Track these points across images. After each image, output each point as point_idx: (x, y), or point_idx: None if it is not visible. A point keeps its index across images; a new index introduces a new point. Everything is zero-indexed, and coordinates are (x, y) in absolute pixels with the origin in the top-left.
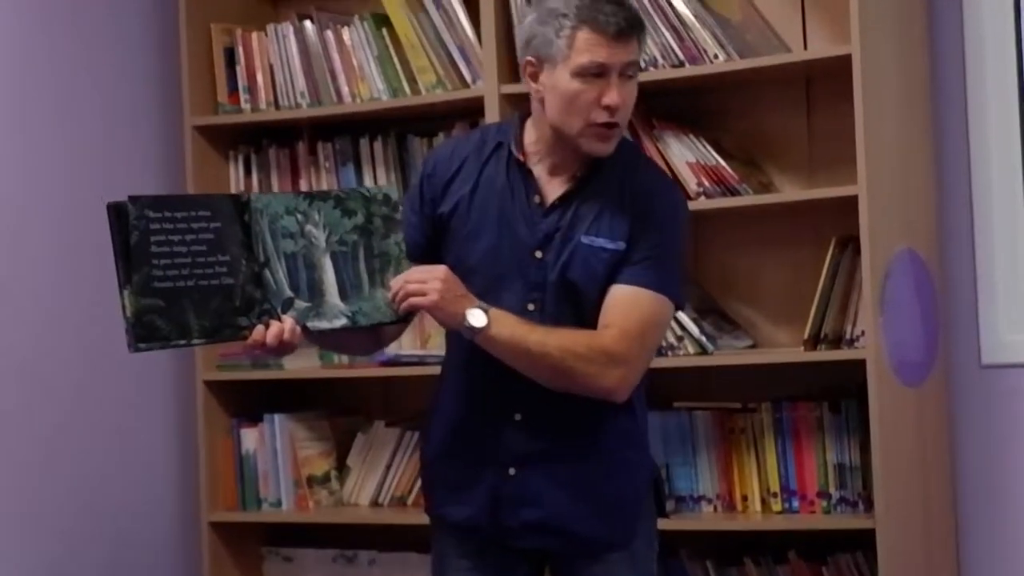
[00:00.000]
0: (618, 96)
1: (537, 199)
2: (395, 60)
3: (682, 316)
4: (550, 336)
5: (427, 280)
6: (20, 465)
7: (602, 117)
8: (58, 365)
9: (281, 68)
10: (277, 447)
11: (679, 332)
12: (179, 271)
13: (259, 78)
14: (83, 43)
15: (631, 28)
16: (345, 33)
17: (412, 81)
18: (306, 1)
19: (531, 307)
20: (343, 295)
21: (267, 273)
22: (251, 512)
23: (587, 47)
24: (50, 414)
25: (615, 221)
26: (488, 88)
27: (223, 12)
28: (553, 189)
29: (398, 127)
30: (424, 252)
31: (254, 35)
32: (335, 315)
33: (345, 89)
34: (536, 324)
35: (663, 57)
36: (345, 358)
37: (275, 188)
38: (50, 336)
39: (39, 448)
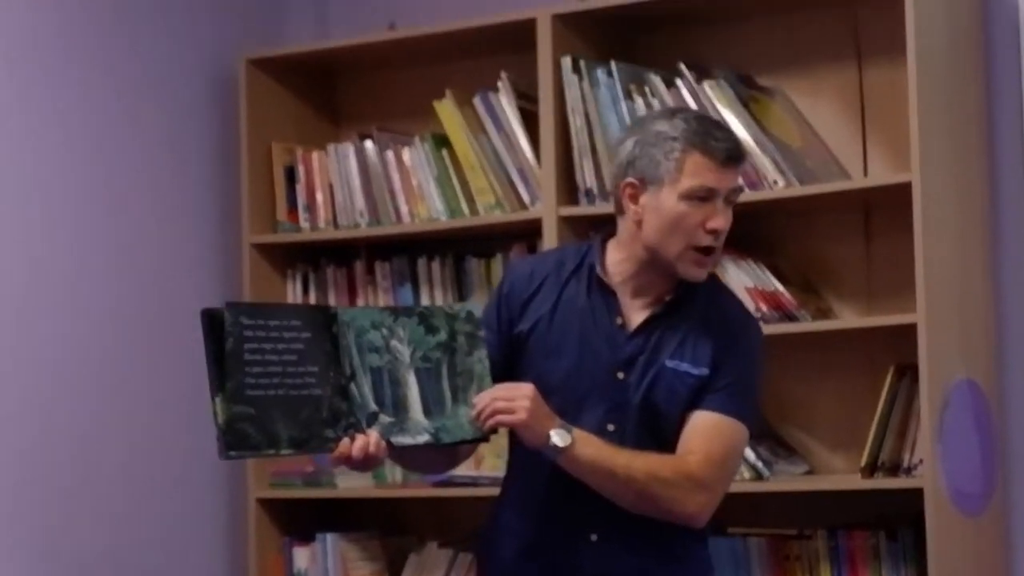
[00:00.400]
0: (723, 221)
1: (619, 320)
2: (454, 180)
3: None
4: (635, 459)
5: (515, 398)
6: None
7: (705, 240)
8: (110, 483)
9: (341, 187)
10: (329, 566)
11: None
12: (271, 379)
13: (319, 197)
14: (147, 157)
15: (738, 155)
16: (405, 153)
17: (471, 201)
18: (367, 121)
19: (611, 427)
20: (426, 411)
21: (353, 387)
22: None
23: (697, 171)
24: (101, 532)
25: (699, 347)
26: (546, 210)
27: (285, 131)
28: (635, 311)
29: (456, 247)
30: (501, 371)
31: (315, 154)
32: (419, 431)
33: (404, 209)
34: (618, 446)
35: None
36: (398, 478)
37: None
38: (101, 447)
39: (92, 565)
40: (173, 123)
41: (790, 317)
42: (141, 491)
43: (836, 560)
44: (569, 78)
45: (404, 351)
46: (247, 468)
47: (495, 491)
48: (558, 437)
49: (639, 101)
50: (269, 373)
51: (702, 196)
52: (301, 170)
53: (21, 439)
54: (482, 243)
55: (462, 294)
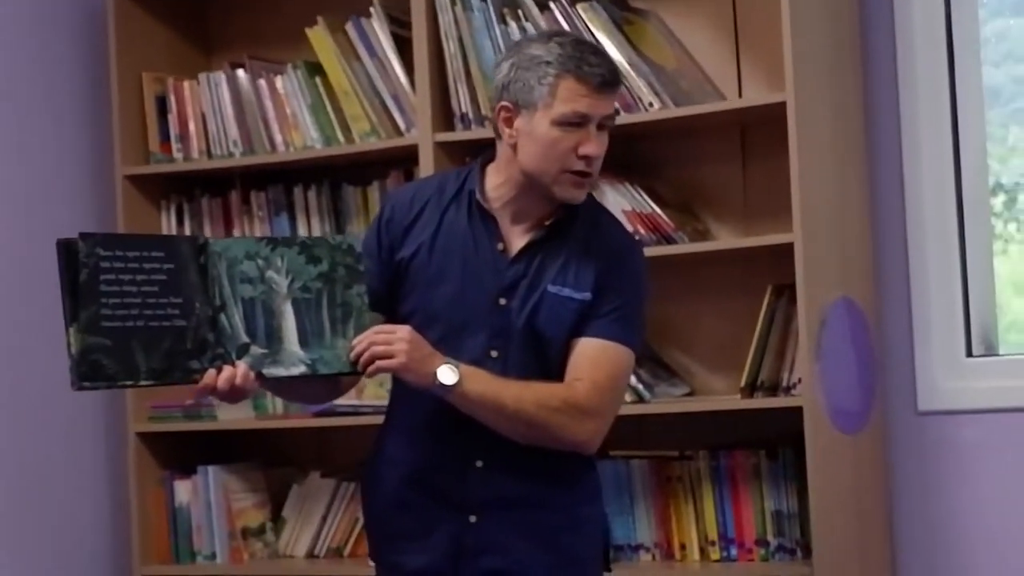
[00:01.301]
0: (596, 147)
1: (500, 246)
2: (328, 108)
3: None
4: (525, 391)
5: (392, 341)
6: None
7: (578, 166)
8: None
9: (213, 117)
10: (211, 499)
11: None
12: (128, 311)
13: (191, 127)
14: (15, 90)
15: (613, 81)
16: (278, 81)
17: (346, 129)
18: (239, 49)
19: (494, 354)
20: (303, 343)
21: (223, 317)
22: (184, 565)
23: (571, 97)
24: None
25: (581, 272)
26: (422, 136)
27: (155, 60)
28: (516, 236)
29: (332, 175)
30: (382, 300)
31: (186, 84)
32: (293, 362)
33: (278, 138)
34: (502, 376)
35: None
36: (279, 409)
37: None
38: None
39: None
40: (42, 54)
41: (668, 239)
42: (15, 425)
43: (718, 480)
44: (442, 2)
45: (281, 281)
46: (126, 401)
47: (378, 420)
48: (444, 375)
49: (513, 25)
50: (127, 304)
51: (575, 122)
52: (173, 100)
53: None
54: (358, 171)
55: (339, 222)
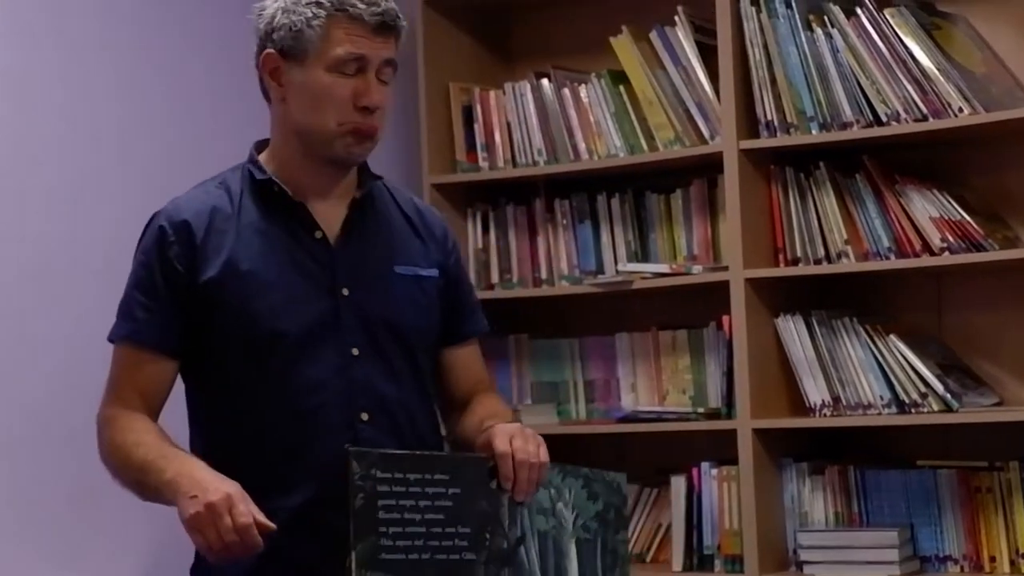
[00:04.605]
0: (377, 96)
1: (319, 234)
2: (632, 116)
3: (926, 373)
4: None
5: None
6: None
7: (357, 118)
8: None
9: (518, 126)
10: None
11: (923, 389)
12: (412, 542)
13: (496, 136)
14: None
15: (392, 22)
16: (582, 91)
17: (649, 137)
18: (542, 59)
19: (355, 352)
20: None
21: (522, 551)
22: None
23: (344, 38)
24: None
25: (413, 247)
26: (727, 144)
27: (461, 71)
28: (327, 219)
29: (635, 183)
30: (179, 342)
31: (492, 94)
32: None
33: (582, 146)
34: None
35: (905, 111)
36: (583, 415)
37: (512, 246)
38: None
39: None
40: None
41: (977, 247)
42: None
43: None
44: (747, 10)
45: (568, 517)
46: None
47: (680, 427)
48: None
49: (819, 32)
50: (409, 534)
51: (351, 67)
52: (479, 110)
53: None
54: (661, 178)
55: (642, 230)
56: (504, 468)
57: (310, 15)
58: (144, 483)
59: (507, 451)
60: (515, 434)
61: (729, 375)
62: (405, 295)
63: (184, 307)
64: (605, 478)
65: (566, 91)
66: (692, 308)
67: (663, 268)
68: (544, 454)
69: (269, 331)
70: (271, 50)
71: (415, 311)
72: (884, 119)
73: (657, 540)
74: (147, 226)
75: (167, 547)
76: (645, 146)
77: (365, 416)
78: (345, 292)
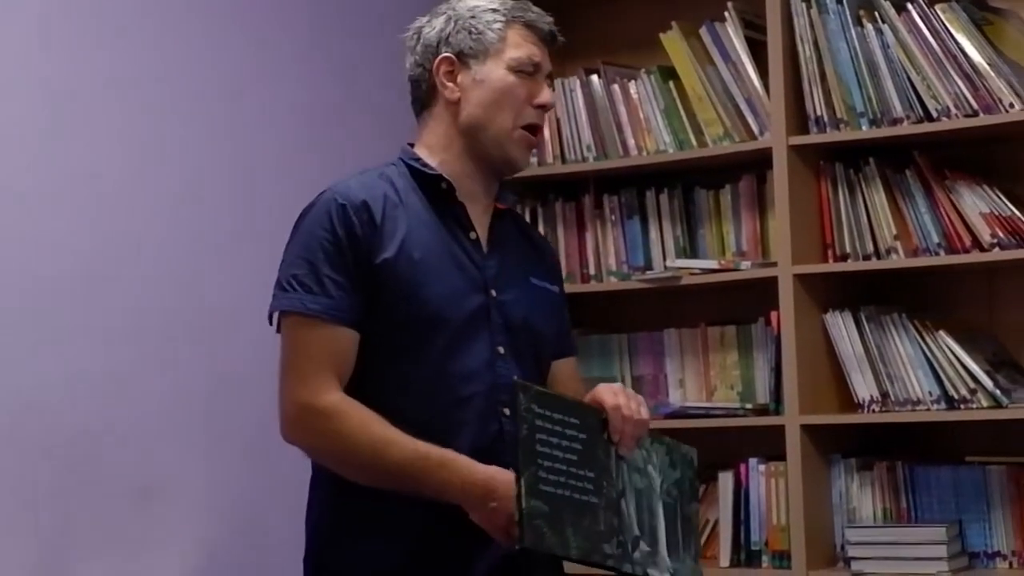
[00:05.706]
0: (551, 96)
1: (474, 235)
2: (682, 113)
3: (975, 369)
4: None
5: None
6: None
7: (532, 117)
8: None
9: (568, 122)
10: None
11: (972, 385)
12: (559, 477)
13: (546, 132)
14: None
15: (557, 34)
16: (632, 87)
17: (699, 133)
18: (592, 55)
19: (501, 350)
20: (669, 550)
21: (623, 503)
22: None
23: (522, 43)
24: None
25: (540, 263)
26: (776, 140)
27: None
28: (478, 223)
29: (684, 179)
30: (359, 319)
31: None
32: (664, 569)
33: (631, 142)
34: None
35: (956, 107)
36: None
37: (561, 240)
38: None
39: None
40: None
41: None
42: None
43: None
44: (797, 6)
45: (656, 478)
46: None
47: (729, 423)
48: None
49: (869, 27)
50: (557, 470)
51: (528, 70)
52: None
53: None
54: (711, 174)
55: (690, 225)
56: (615, 421)
57: (489, 19)
58: (408, 482)
59: (618, 404)
60: (620, 392)
61: (777, 371)
62: (540, 304)
63: (365, 284)
64: (681, 450)
65: (616, 87)
66: (740, 304)
67: (712, 264)
68: (646, 412)
69: (436, 316)
70: (447, 54)
71: (547, 320)
72: (934, 115)
73: (705, 536)
74: (313, 206)
75: (219, 546)
76: (694, 142)
77: (506, 411)
78: (493, 293)
